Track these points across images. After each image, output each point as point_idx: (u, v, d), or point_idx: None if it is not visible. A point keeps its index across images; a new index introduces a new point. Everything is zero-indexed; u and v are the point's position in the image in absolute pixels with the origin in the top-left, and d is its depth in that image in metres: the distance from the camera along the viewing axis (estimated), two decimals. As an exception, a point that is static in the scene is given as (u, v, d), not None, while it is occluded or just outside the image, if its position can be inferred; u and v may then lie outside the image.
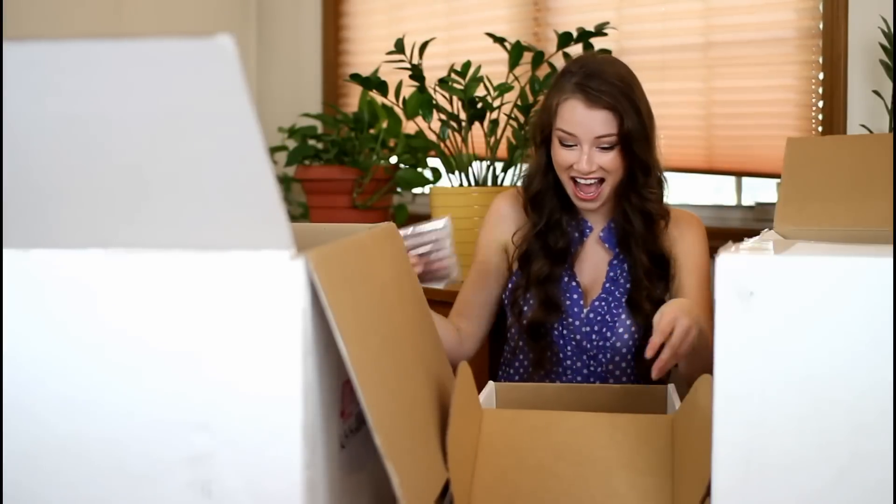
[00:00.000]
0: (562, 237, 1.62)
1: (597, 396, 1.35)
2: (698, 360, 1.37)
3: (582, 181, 1.55)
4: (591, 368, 1.60)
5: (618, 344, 1.59)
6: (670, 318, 1.28)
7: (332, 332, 0.69)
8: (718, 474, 0.73)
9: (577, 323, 1.60)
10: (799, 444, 0.71)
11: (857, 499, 0.71)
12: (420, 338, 0.92)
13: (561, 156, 1.56)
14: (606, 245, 1.64)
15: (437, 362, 0.95)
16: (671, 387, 1.29)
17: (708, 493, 0.75)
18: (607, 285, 1.62)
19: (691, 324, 1.28)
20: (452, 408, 0.86)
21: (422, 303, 0.97)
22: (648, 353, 1.27)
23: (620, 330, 1.59)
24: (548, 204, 1.62)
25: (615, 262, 1.63)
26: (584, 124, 1.52)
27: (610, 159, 1.53)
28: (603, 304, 1.61)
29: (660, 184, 1.61)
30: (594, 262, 1.65)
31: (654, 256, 1.61)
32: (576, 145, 1.54)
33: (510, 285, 1.67)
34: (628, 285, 1.61)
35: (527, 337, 1.61)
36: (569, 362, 1.60)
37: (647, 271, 1.60)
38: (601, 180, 1.56)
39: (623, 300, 1.60)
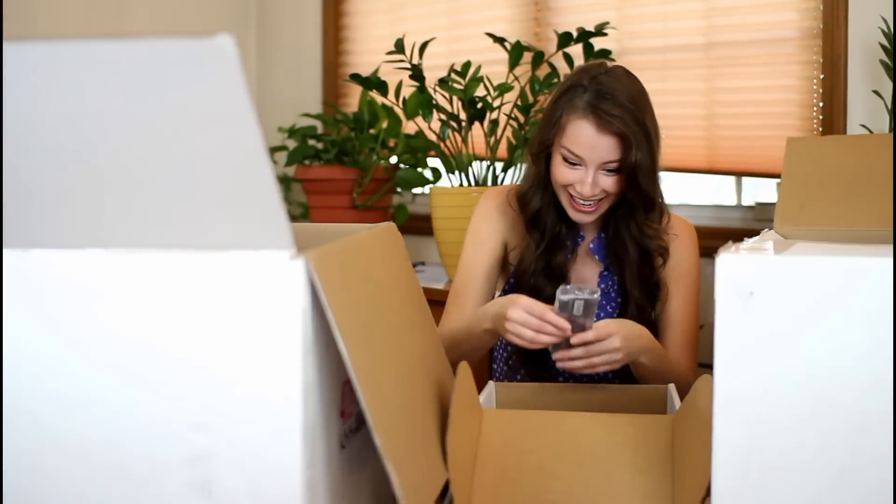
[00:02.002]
0: (560, 251, 1.58)
1: (596, 396, 1.35)
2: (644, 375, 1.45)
3: (580, 199, 1.51)
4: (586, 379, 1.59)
5: None
6: (605, 332, 1.33)
7: (332, 331, 0.69)
8: (718, 475, 0.73)
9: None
10: (799, 445, 0.71)
11: (857, 500, 0.71)
12: (420, 337, 0.92)
13: (563, 174, 1.50)
14: (596, 257, 1.60)
15: (436, 362, 0.95)
16: (671, 386, 1.29)
17: (708, 494, 0.75)
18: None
19: (621, 348, 1.34)
20: (452, 408, 0.86)
21: (422, 303, 0.97)
22: (574, 341, 1.33)
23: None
24: (548, 219, 1.57)
25: (605, 273, 1.60)
26: (593, 148, 1.46)
27: (613, 182, 1.49)
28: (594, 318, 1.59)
29: (661, 214, 1.57)
30: (584, 274, 1.62)
31: (644, 285, 1.57)
32: (579, 165, 1.49)
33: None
34: (619, 299, 1.59)
35: (523, 361, 1.58)
36: (561, 379, 1.59)
37: (634, 298, 1.56)
38: (599, 199, 1.51)
39: (614, 316, 1.58)
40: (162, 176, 0.67)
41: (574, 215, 1.54)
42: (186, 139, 0.65)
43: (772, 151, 2.46)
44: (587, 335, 1.32)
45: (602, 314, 1.58)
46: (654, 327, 1.58)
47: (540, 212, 1.58)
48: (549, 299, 1.56)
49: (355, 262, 0.78)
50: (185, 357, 0.69)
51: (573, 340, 1.33)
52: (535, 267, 1.57)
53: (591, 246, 1.61)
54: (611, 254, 1.59)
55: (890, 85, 2.10)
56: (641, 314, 1.57)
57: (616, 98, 1.46)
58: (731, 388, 0.72)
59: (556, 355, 1.35)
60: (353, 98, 3.23)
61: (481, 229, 1.66)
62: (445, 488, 0.84)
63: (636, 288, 1.56)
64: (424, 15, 3.10)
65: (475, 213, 1.68)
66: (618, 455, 0.95)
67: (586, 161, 1.48)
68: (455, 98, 2.41)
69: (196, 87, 0.62)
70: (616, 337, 1.34)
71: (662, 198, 1.57)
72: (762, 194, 2.63)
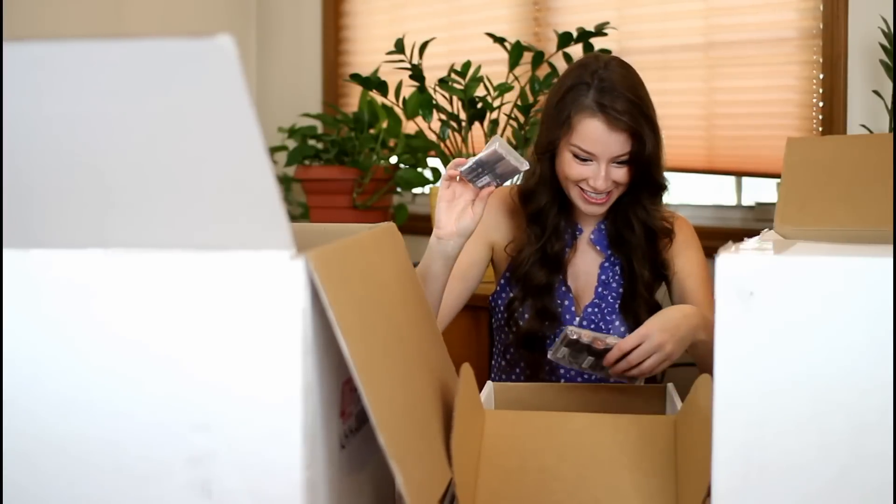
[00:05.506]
0: (557, 242, 1.60)
1: (596, 396, 1.35)
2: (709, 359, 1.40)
3: (592, 192, 1.53)
4: (586, 377, 1.59)
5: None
6: (640, 334, 1.33)
7: (332, 331, 0.69)
8: (718, 475, 0.73)
9: None
10: (799, 445, 0.71)
11: (858, 500, 0.71)
12: (422, 337, 0.91)
13: (574, 169, 1.52)
14: (597, 247, 1.62)
15: (439, 362, 0.95)
16: (670, 386, 1.29)
17: (709, 494, 0.75)
18: (599, 289, 1.60)
19: (664, 342, 1.32)
20: (456, 410, 0.86)
21: (423, 303, 0.97)
22: (605, 363, 1.34)
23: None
24: (550, 215, 1.60)
25: (606, 264, 1.61)
26: (606, 145, 1.49)
27: (624, 173, 1.52)
28: (596, 310, 1.59)
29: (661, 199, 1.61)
30: (585, 266, 1.63)
31: (651, 265, 1.60)
32: (591, 161, 1.51)
33: (502, 297, 1.65)
34: (621, 289, 1.60)
35: (521, 348, 1.59)
36: (562, 370, 1.59)
37: (642, 277, 1.59)
38: (610, 191, 1.54)
39: (616, 305, 1.59)
40: (162, 176, 0.67)
41: (586, 208, 1.56)
42: (186, 139, 0.65)
43: (772, 151, 2.46)
44: (626, 343, 1.33)
45: (604, 305, 1.59)
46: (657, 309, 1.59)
47: (543, 209, 1.60)
48: (541, 286, 1.57)
49: (355, 262, 0.78)
50: (185, 357, 0.69)
51: (609, 357, 1.33)
52: (532, 258, 1.59)
53: (592, 237, 1.63)
54: (615, 241, 1.61)
55: (890, 85, 2.10)
56: (650, 294, 1.59)
57: (621, 93, 1.49)
58: (731, 388, 0.72)
59: (611, 370, 1.35)
60: (353, 98, 3.23)
61: None
62: (448, 488, 0.84)
63: (645, 268, 1.59)
64: (424, 15, 3.10)
65: None
66: (621, 456, 0.95)
67: (598, 157, 1.51)
68: (455, 98, 2.41)
69: (196, 87, 0.62)
70: (652, 335, 1.33)
71: (667, 183, 1.60)
72: (762, 194, 2.64)
